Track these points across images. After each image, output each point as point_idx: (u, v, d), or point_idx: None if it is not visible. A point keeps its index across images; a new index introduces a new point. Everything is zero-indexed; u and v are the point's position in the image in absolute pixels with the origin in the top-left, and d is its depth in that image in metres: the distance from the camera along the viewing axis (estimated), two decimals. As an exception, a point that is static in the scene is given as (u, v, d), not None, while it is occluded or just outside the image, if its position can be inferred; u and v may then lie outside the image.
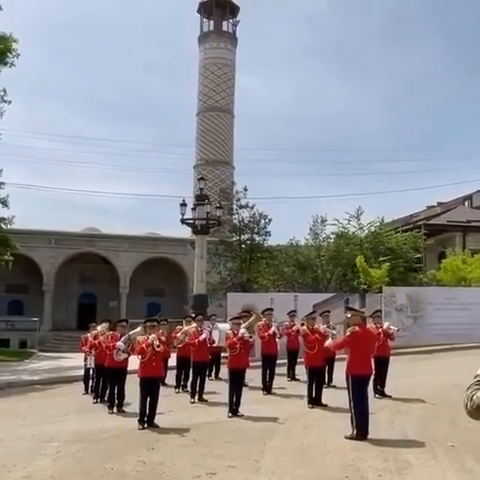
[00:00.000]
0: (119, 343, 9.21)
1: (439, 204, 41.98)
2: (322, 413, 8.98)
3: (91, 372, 11.81)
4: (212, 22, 49.70)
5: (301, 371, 11.36)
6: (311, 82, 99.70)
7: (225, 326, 11.68)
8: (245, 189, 26.95)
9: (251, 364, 10.10)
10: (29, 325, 29.87)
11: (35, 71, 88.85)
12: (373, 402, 8.34)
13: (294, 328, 12.27)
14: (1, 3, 20.28)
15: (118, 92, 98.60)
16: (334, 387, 10.78)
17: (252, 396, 10.24)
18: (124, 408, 9.58)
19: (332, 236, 25.84)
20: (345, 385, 7.67)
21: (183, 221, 21.12)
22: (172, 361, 12.10)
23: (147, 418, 8.20)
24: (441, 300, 19.41)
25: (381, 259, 23.00)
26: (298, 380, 12.24)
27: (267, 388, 11.15)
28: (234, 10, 49.89)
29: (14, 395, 12.66)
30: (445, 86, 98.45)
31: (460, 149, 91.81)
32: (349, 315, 8.05)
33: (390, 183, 74.05)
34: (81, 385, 12.57)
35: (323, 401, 9.46)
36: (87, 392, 12.03)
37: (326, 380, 10.82)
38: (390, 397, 10.03)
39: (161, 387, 9.01)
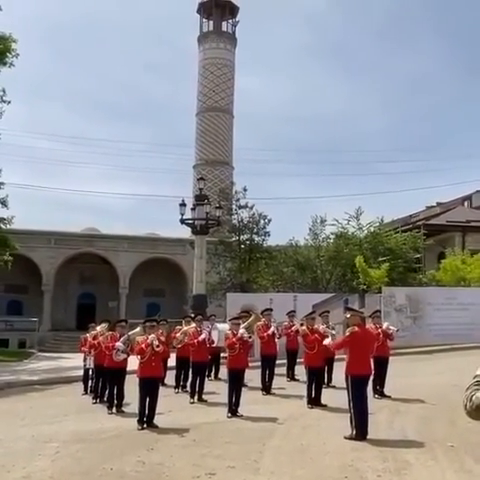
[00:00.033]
0: (118, 343, 9.21)
1: (438, 204, 41.99)
2: (321, 413, 8.98)
3: (90, 372, 11.81)
4: (212, 22, 49.70)
5: (300, 371, 11.37)
6: (310, 82, 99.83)
7: (224, 326, 11.68)
8: (244, 189, 26.95)
9: (250, 364, 10.10)
10: (28, 325, 29.85)
11: (35, 71, 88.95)
12: (372, 402, 8.34)
13: (293, 328, 12.27)
14: (1, 3, 20.27)
15: (118, 92, 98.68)
16: (333, 387, 10.78)
17: (251, 396, 10.24)
18: (123, 408, 9.58)
19: (331, 236, 25.84)
20: (344, 385, 7.67)
21: (182, 221, 21.12)
22: (171, 361, 12.10)
23: (146, 418, 8.19)
24: (440, 300, 19.41)
25: (380, 259, 23.00)
26: (297, 380, 12.24)
27: (266, 388, 11.15)
28: (233, 10, 49.91)
29: (13, 395, 12.66)
30: (444, 86, 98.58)
31: (459, 149, 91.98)
32: (348, 315, 8.05)
33: (389, 183, 74.22)
34: (80, 385, 12.56)
35: (322, 401, 9.47)
36: (86, 392, 12.03)
37: (325, 380, 10.82)
38: (389, 397, 10.03)
39: (160, 387, 9.01)
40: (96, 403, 10.75)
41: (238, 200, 26.99)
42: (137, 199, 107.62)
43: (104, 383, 10.43)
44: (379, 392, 10.18)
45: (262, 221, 26.77)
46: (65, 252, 34.19)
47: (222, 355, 12.40)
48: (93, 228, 37.57)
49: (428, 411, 8.93)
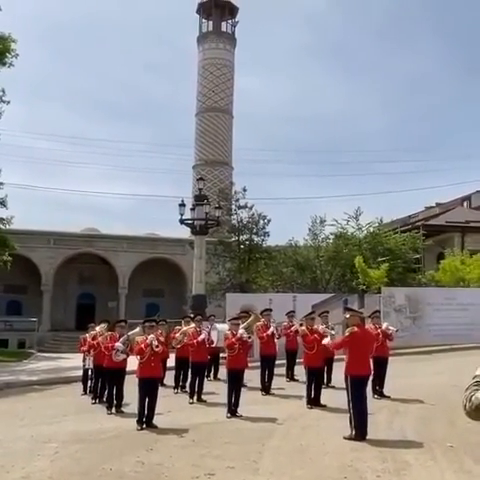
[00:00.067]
0: (118, 344, 9.21)
1: (438, 205, 41.99)
2: (321, 413, 8.98)
3: (90, 373, 11.79)
4: (211, 23, 49.73)
5: (300, 372, 11.37)
6: (310, 82, 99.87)
7: (223, 326, 11.68)
8: (244, 189, 26.95)
9: (250, 364, 10.09)
10: (28, 325, 29.83)
11: (34, 71, 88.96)
12: (372, 403, 8.34)
13: (293, 328, 12.27)
14: (0, 3, 20.25)
15: (117, 92, 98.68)
16: (333, 387, 10.78)
17: (251, 396, 10.24)
18: (123, 409, 9.57)
19: (331, 237, 25.85)
20: (344, 385, 7.67)
21: (182, 221, 21.12)
22: (171, 361, 12.10)
23: (146, 419, 8.19)
24: (440, 301, 19.42)
25: (380, 260, 23.01)
26: (297, 380, 12.24)
27: (266, 389, 11.15)
28: (233, 11, 49.93)
29: (12, 395, 12.65)
30: (444, 86, 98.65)
31: (459, 150, 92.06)
32: (348, 315, 8.05)
33: (389, 184, 74.01)
34: (80, 386, 12.56)
35: (322, 401, 9.46)
36: (86, 393, 12.02)
37: (325, 380, 10.82)
38: (389, 398, 10.03)
39: (160, 387, 9.00)
40: (95, 403, 10.74)
41: (237, 200, 27.01)
42: (137, 199, 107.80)
43: (103, 383, 10.42)
44: (378, 392, 10.18)
45: (261, 221, 26.78)
46: (64, 252, 34.18)
47: (221, 355, 12.39)
48: (92, 228, 37.56)
49: (427, 411, 8.93)
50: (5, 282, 32.17)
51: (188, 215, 21.21)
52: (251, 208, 26.73)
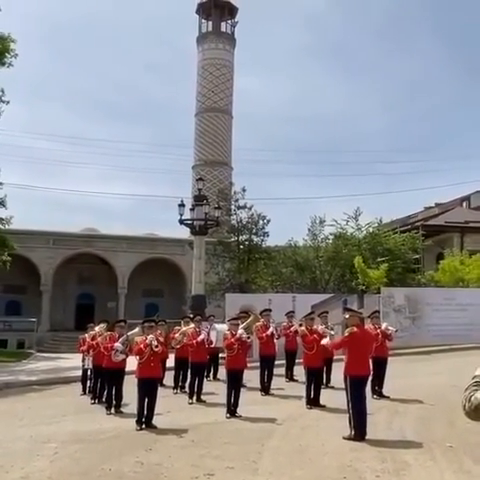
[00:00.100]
0: (117, 344, 9.21)
1: (437, 205, 42.01)
2: (320, 414, 8.98)
3: (89, 373, 11.79)
4: (211, 23, 49.72)
5: (299, 372, 11.36)
6: (309, 82, 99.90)
7: (222, 327, 11.68)
8: (243, 190, 26.93)
9: (249, 365, 10.09)
10: (27, 325, 29.81)
11: (34, 71, 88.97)
12: (371, 403, 8.34)
13: (292, 329, 12.27)
14: (0, 3, 20.24)
15: (117, 92, 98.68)
16: (332, 388, 10.78)
17: (250, 397, 10.24)
18: (122, 409, 9.57)
19: (330, 237, 25.84)
20: (343, 386, 7.67)
21: (181, 222, 21.10)
22: (170, 362, 12.09)
23: (145, 419, 8.19)
24: (439, 301, 19.42)
25: (379, 260, 23.01)
26: (296, 381, 12.24)
27: (265, 389, 11.14)
28: (233, 11, 49.92)
29: (12, 396, 12.64)
30: (444, 87, 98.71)
31: (458, 150, 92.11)
32: (347, 316, 8.05)
33: (388, 184, 74.11)
34: (79, 386, 12.55)
35: (321, 402, 9.46)
36: (85, 393, 12.02)
37: (324, 381, 10.82)
38: (388, 398, 10.03)
39: (159, 388, 9.00)
40: (95, 403, 10.74)
41: (237, 200, 26.99)
42: (136, 199, 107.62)
43: (103, 383, 10.42)
44: (378, 393, 10.18)
45: (261, 221, 26.76)
46: (64, 252, 34.15)
47: (221, 355, 12.39)
48: (92, 228, 37.53)
49: (427, 412, 8.94)
50: (4, 282, 32.15)
51: (187, 215, 21.20)
52: (250, 208, 26.75)
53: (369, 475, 5.69)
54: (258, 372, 11.37)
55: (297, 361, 12.23)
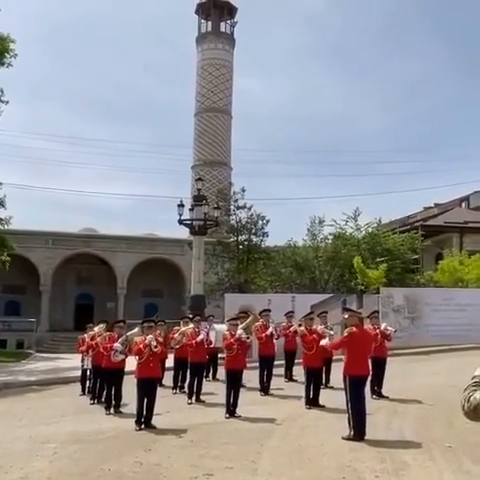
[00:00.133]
0: (116, 344, 9.21)
1: (436, 205, 42.04)
2: (319, 414, 8.98)
3: (88, 373, 11.79)
4: (210, 23, 49.72)
5: (298, 372, 11.37)
6: (309, 83, 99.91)
7: (222, 327, 11.68)
8: (243, 190, 26.93)
9: (248, 365, 10.09)
10: (26, 326, 29.80)
11: (33, 71, 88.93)
12: (370, 403, 8.34)
13: (291, 329, 12.27)
14: (-1, 3, 20.26)
15: (116, 92, 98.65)
16: (331, 388, 10.78)
17: (249, 397, 10.24)
18: (121, 409, 9.57)
19: (330, 237, 25.84)
20: (342, 386, 7.67)
21: (181, 222, 21.10)
22: (169, 362, 12.09)
23: (144, 419, 8.19)
24: (438, 301, 19.43)
25: (378, 260, 23.01)
26: (295, 381, 12.24)
27: (264, 389, 11.15)
28: (232, 11, 49.92)
29: (11, 396, 12.64)
30: (443, 88, 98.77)
31: (458, 151, 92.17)
32: (346, 316, 8.05)
33: (388, 184, 74.26)
34: (78, 386, 12.55)
35: (320, 402, 9.46)
36: (84, 393, 12.02)
37: (323, 381, 10.82)
38: (387, 398, 10.04)
39: (158, 388, 9.00)
40: (94, 404, 10.74)
41: (236, 201, 26.99)
42: (135, 199, 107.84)
43: (102, 384, 10.42)
44: (377, 393, 10.18)
45: (260, 222, 26.77)
46: (63, 252, 34.13)
47: (220, 356, 12.39)
48: (91, 228, 37.51)
49: (426, 412, 8.94)
50: (3, 282, 32.13)
51: (187, 215, 21.20)
52: (250, 208, 26.75)
53: (368, 475, 5.70)
54: (257, 372, 11.37)
55: (296, 361, 12.23)
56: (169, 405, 9.81)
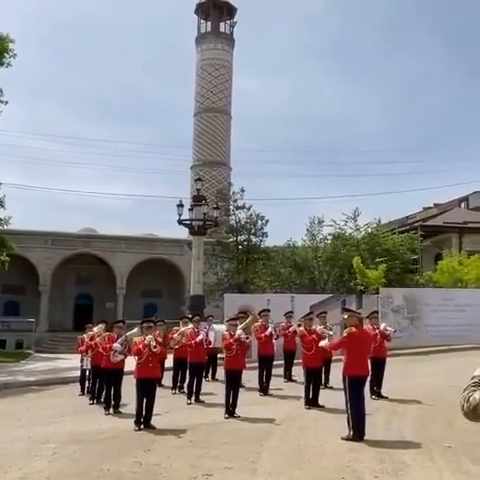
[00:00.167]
0: (116, 344, 9.21)
1: (435, 205, 42.06)
2: (319, 414, 8.98)
3: (87, 373, 11.79)
4: (209, 23, 49.73)
5: (298, 372, 11.36)
6: (309, 83, 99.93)
7: (221, 327, 11.67)
8: (242, 190, 26.95)
9: (248, 365, 10.09)
10: (25, 326, 29.78)
11: (33, 71, 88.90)
12: (369, 403, 8.34)
13: (291, 329, 12.27)
14: (-1, 3, 20.26)
15: (115, 92, 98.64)
16: (331, 388, 10.79)
17: (249, 397, 10.24)
18: (120, 409, 9.56)
19: (329, 237, 25.85)
20: (342, 386, 7.67)
21: (180, 222, 21.09)
22: (169, 362, 12.08)
23: (143, 419, 8.18)
24: (437, 301, 19.45)
25: (378, 260, 23.02)
26: (295, 381, 12.24)
27: (264, 389, 11.14)
28: (231, 11, 49.94)
29: (10, 396, 12.64)
30: (443, 88, 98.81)
31: (457, 151, 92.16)
32: (346, 316, 8.06)
33: (387, 184, 74.30)
34: (77, 386, 12.55)
35: (320, 402, 9.46)
36: (83, 393, 12.01)
37: (323, 381, 10.82)
38: (386, 398, 10.04)
39: (158, 388, 8.99)
40: (93, 404, 10.73)
41: (236, 201, 27.00)
42: (134, 200, 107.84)
43: (101, 384, 10.41)
44: (376, 393, 10.18)
45: (260, 222, 26.78)
46: (62, 253, 34.11)
47: (219, 356, 12.39)
48: (90, 228, 37.50)
49: (425, 412, 8.94)
50: (3, 282, 32.11)
51: (186, 215, 21.19)
52: (249, 209, 26.76)
53: (368, 475, 5.69)
54: (257, 372, 11.37)
55: (295, 361, 12.23)
56: (168, 405, 9.81)
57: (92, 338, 10.98)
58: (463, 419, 2.56)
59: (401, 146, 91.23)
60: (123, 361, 9.45)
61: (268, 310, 12.40)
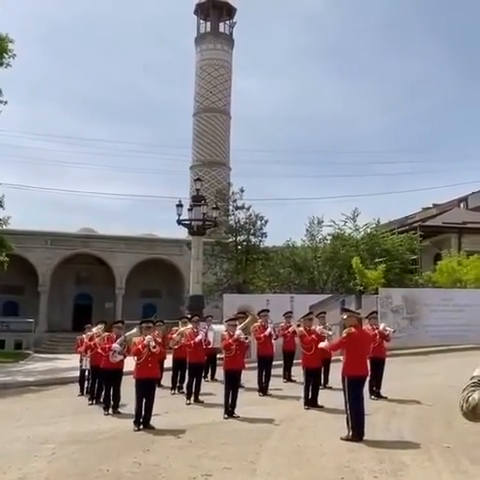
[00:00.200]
0: (115, 345, 9.20)
1: (435, 206, 42.09)
2: (318, 414, 8.98)
3: (86, 373, 11.79)
4: (209, 23, 49.74)
5: (297, 372, 11.37)
6: (308, 83, 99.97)
7: (220, 327, 11.67)
8: (241, 190, 26.97)
9: (247, 365, 10.09)
10: (24, 326, 29.76)
11: (32, 71, 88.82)
12: (369, 403, 8.34)
13: (290, 329, 12.27)
14: (-2, 4, 20.25)
15: (115, 92, 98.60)
16: (330, 388, 10.79)
17: (248, 397, 10.24)
18: (120, 409, 9.56)
19: (328, 237, 25.86)
20: (341, 386, 7.67)
21: (179, 222, 21.09)
22: (168, 362, 12.08)
23: (143, 419, 8.18)
24: (437, 301, 19.46)
25: (377, 260, 23.02)
26: (294, 381, 12.24)
27: (263, 389, 11.14)
28: (231, 11, 49.94)
29: (9, 396, 12.63)
30: (443, 88, 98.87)
31: (456, 151, 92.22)
32: (345, 316, 8.06)
33: (386, 185, 74.27)
34: (76, 386, 12.54)
35: (319, 402, 9.47)
36: (82, 393, 12.01)
37: (322, 381, 10.82)
38: (386, 398, 10.04)
39: (157, 388, 8.99)
40: (92, 404, 10.73)
41: (235, 201, 27.01)
42: (134, 200, 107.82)
43: (100, 384, 10.42)
44: (375, 393, 10.18)
45: (259, 222, 26.79)
46: (61, 253, 34.09)
47: (219, 356, 12.39)
48: (89, 229, 37.48)
49: (424, 412, 8.95)
50: (2, 282, 32.03)
51: (185, 216, 21.18)
52: (248, 209, 26.78)
53: (367, 476, 5.70)
54: (256, 373, 11.36)
55: (295, 361, 12.23)
56: (168, 405, 9.80)
57: (91, 338, 10.98)
58: (462, 419, 2.56)
59: (401, 146, 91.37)
60: (122, 361, 9.45)
61: (267, 310, 12.40)
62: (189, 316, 13.17)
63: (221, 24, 49.85)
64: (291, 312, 13.52)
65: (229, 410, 8.90)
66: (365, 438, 7.09)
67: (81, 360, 12.18)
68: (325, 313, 11.80)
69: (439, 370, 13.44)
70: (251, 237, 26.86)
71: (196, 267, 21.26)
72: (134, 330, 9.32)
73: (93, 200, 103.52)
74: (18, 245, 25.99)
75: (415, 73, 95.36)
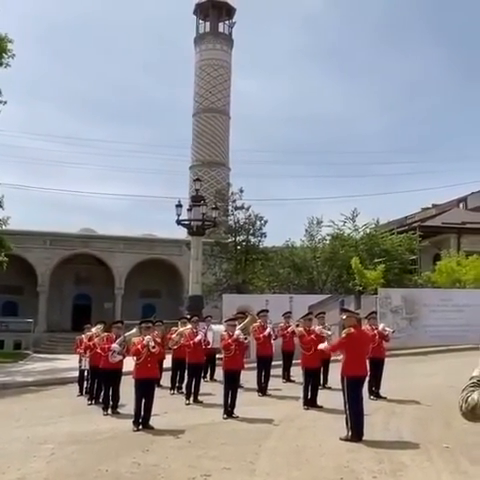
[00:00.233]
0: (114, 345, 9.20)
1: (434, 206, 42.11)
2: (317, 414, 8.98)
3: (86, 373, 11.78)
4: (208, 23, 49.76)
5: (296, 373, 11.37)
6: (307, 84, 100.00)
7: (219, 327, 11.67)
8: (241, 190, 26.98)
9: (246, 366, 10.09)
10: (23, 326, 29.74)
11: (31, 71, 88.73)
12: (368, 404, 8.35)
13: (289, 329, 12.28)
14: (-3, 4, 20.25)
15: (114, 93, 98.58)
16: (329, 388, 10.79)
17: (247, 398, 10.24)
18: (119, 410, 9.56)
19: (328, 238, 25.88)
20: (340, 386, 7.67)
21: (179, 222, 21.09)
22: (167, 362, 12.08)
23: (142, 419, 8.18)
24: (436, 302, 19.47)
25: (376, 261, 23.04)
26: (293, 381, 12.24)
27: (262, 390, 11.15)
28: (230, 12, 49.98)
29: (8, 396, 12.62)
30: (442, 88, 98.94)
31: (456, 151, 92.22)
32: (344, 316, 8.06)
33: (386, 185, 74.27)
34: (76, 387, 12.54)
35: (318, 402, 9.47)
36: (82, 394, 12.01)
37: (321, 381, 10.82)
38: (385, 399, 10.04)
39: (156, 388, 8.99)
40: (91, 404, 10.73)
41: (234, 201, 27.02)
42: (133, 200, 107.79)
43: (99, 384, 10.41)
44: (375, 393, 10.19)
45: (258, 222, 26.80)
46: (60, 253, 34.08)
47: (218, 356, 12.38)
48: (89, 229, 37.47)
49: (423, 412, 8.95)
50: (1, 283, 31.97)
51: (185, 216, 21.19)
52: (248, 209, 26.78)
53: (366, 476, 5.70)
54: (255, 373, 11.37)
55: (294, 362, 12.23)
56: (167, 406, 9.80)
57: (90, 338, 10.98)
58: (461, 419, 2.56)
59: (400, 146, 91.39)
60: (121, 361, 9.45)
61: (267, 310, 12.40)
62: (188, 316, 13.18)
63: (220, 24, 49.89)
64: (290, 312, 13.53)
65: (228, 410, 8.90)
66: (364, 438, 7.09)
67: (80, 360, 12.17)
68: (324, 313, 11.80)
69: (438, 370, 13.45)
70: (250, 237, 26.87)
71: (195, 267, 21.26)
72: (133, 330, 9.32)
73: (92, 200, 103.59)
74: (17, 245, 25.97)
75: (415, 73, 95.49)
